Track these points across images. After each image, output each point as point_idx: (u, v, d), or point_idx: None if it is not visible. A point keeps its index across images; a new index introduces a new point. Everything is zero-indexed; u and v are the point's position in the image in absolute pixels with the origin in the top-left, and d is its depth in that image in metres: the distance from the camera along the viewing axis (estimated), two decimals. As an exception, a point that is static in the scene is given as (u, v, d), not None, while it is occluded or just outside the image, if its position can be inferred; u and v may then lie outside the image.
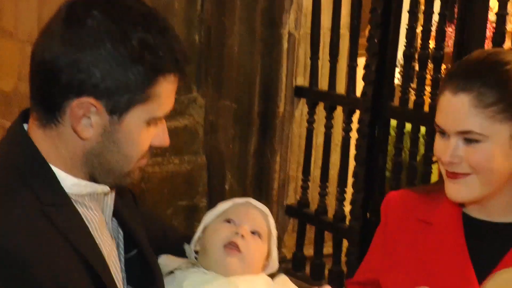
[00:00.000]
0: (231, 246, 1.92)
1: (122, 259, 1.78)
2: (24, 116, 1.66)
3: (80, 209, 1.62)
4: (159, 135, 1.65)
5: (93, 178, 1.65)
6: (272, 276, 2.01)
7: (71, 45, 1.53)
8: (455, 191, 1.88)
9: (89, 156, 1.60)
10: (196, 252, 2.02)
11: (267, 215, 2.06)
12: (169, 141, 1.68)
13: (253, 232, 1.96)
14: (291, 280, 2.04)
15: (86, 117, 1.55)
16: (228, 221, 1.97)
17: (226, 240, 1.93)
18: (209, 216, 2.02)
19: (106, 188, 1.68)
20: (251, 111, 4.75)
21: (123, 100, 1.56)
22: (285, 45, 4.63)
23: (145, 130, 1.61)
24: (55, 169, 1.59)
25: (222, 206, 2.03)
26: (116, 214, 1.77)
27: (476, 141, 1.80)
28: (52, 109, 1.56)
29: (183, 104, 4.79)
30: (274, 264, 2.04)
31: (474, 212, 1.94)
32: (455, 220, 1.94)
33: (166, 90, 1.61)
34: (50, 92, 1.55)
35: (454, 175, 1.86)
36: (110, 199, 1.72)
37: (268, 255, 2.02)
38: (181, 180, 4.86)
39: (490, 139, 1.79)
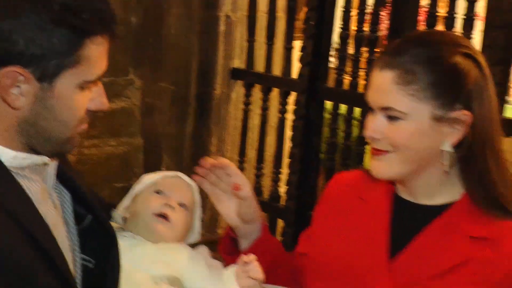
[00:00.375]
0: (161, 216, 1.98)
1: (72, 229, 1.75)
2: None
3: (21, 182, 1.60)
4: (95, 99, 1.62)
5: (32, 149, 1.62)
6: (193, 246, 2.06)
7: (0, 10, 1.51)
8: (376, 167, 1.89)
9: (24, 125, 1.57)
10: (124, 219, 2.08)
11: (193, 189, 2.12)
12: (107, 104, 1.66)
13: (180, 204, 2.03)
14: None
15: (15, 86, 1.52)
16: (158, 192, 2.03)
17: (157, 210, 2.00)
18: (139, 186, 2.08)
19: (45, 159, 1.65)
20: (188, 93, 4.75)
21: (51, 66, 1.53)
22: (222, 27, 4.65)
23: (79, 94, 1.59)
24: None
25: (152, 177, 2.09)
26: (63, 182, 1.75)
27: (397, 118, 1.79)
28: None
29: (120, 86, 4.78)
30: (196, 235, 2.11)
31: (402, 193, 1.95)
32: (385, 198, 1.95)
33: (95, 53, 1.58)
34: None
35: (376, 152, 1.87)
36: (52, 169, 1.69)
37: (192, 226, 2.09)
38: (118, 161, 4.86)
39: (410, 117, 1.78)
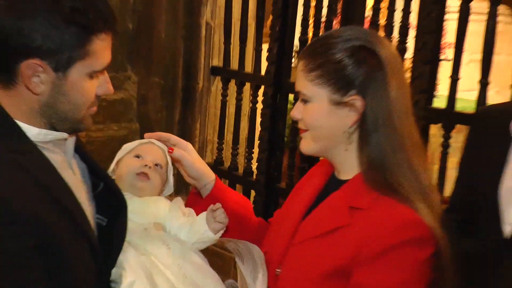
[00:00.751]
0: (142, 175, 2.00)
1: (90, 193, 1.77)
2: None
3: (46, 153, 1.61)
4: (102, 85, 1.65)
5: (52, 127, 1.63)
6: (170, 199, 2.09)
7: (13, 15, 1.51)
8: (301, 144, 1.85)
9: (45, 108, 1.59)
10: None
11: (165, 151, 2.11)
12: (112, 89, 1.68)
13: (156, 164, 2.05)
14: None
15: (36, 75, 1.55)
16: (138, 156, 2.05)
17: (138, 170, 2.01)
18: (121, 153, 2.10)
19: (65, 135, 1.66)
20: (175, 86, 4.73)
21: (64, 58, 1.55)
22: (203, 32, 4.63)
23: (88, 82, 1.61)
24: (19, 123, 1.58)
25: (131, 145, 2.10)
26: (79, 156, 1.77)
27: (306, 101, 1.75)
28: (7, 72, 1.55)
29: (119, 81, 4.74)
30: (171, 188, 2.13)
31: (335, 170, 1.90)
32: (323, 175, 1.92)
33: (100, 47, 1.60)
34: (2, 58, 1.54)
35: (300, 131, 1.83)
36: (70, 143, 1.71)
37: (166, 181, 2.11)
38: (119, 143, 4.75)
39: (314, 100, 1.73)
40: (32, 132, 1.59)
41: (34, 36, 1.51)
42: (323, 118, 1.73)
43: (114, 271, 1.75)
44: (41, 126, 1.61)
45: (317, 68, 1.71)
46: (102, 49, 1.61)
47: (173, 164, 2.12)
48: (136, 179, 2.00)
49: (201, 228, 1.92)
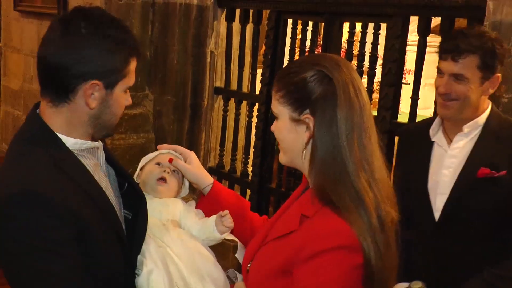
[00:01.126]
0: (161, 179, 2.00)
1: (117, 192, 1.78)
2: (36, 105, 1.65)
3: (81, 159, 1.63)
4: (127, 98, 1.67)
5: (92, 137, 1.65)
6: (186, 200, 2.08)
7: (76, 47, 1.54)
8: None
9: (93, 119, 1.61)
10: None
11: (181, 159, 2.10)
12: (131, 101, 1.71)
13: (173, 171, 2.04)
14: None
15: (93, 94, 1.58)
16: (158, 164, 2.03)
17: (158, 175, 2.00)
18: (143, 161, 2.08)
19: (97, 144, 1.68)
20: (185, 103, 4.72)
21: (113, 78, 1.59)
22: (208, 59, 4.62)
23: (123, 96, 1.64)
24: (59, 135, 1.59)
25: (152, 155, 2.08)
26: (108, 161, 1.77)
27: (276, 118, 1.64)
28: (65, 93, 1.56)
29: (139, 98, 4.76)
30: (186, 190, 2.11)
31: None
32: (305, 182, 1.76)
33: (133, 68, 1.64)
34: (63, 81, 1.55)
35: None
36: (101, 151, 1.72)
37: (183, 184, 2.09)
38: (138, 150, 4.82)
39: (279, 117, 1.61)
40: (69, 142, 1.60)
41: (94, 62, 1.55)
42: (285, 133, 1.61)
43: (138, 258, 1.75)
44: (78, 136, 1.63)
45: (282, 89, 1.60)
46: (133, 69, 1.65)
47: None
48: (156, 184, 1.99)
49: (210, 228, 1.92)
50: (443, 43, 2.34)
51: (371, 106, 1.61)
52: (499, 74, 2.27)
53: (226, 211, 1.92)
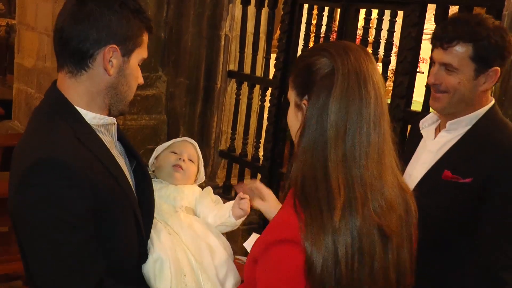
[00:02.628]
0: (177, 167, 2.01)
1: (130, 170, 1.79)
2: (56, 81, 1.66)
3: (99, 135, 1.63)
4: (140, 77, 1.68)
5: (109, 110, 1.66)
6: (201, 187, 2.09)
7: (94, 14, 1.56)
8: None
9: (110, 89, 1.62)
10: (152, 171, 2.11)
11: (196, 147, 2.14)
12: (143, 81, 1.71)
13: (189, 159, 2.04)
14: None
15: (111, 60, 1.58)
16: (174, 152, 2.04)
17: (175, 163, 2.02)
18: (159, 149, 2.10)
19: (113, 119, 1.69)
20: (198, 86, 4.73)
21: (130, 45, 1.60)
22: (222, 42, 4.63)
23: (138, 69, 1.65)
24: (78, 108, 1.60)
25: (168, 143, 2.10)
26: (119, 139, 1.78)
27: (289, 103, 1.55)
28: (84, 59, 1.57)
29: (152, 80, 4.78)
30: (202, 178, 2.13)
31: None
32: None
33: (146, 40, 1.66)
34: (82, 48, 1.56)
35: None
36: (115, 129, 1.73)
37: (198, 172, 2.11)
38: (150, 131, 4.85)
39: (290, 101, 1.52)
40: (88, 116, 1.61)
41: (112, 27, 1.56)
42: (291, 118, 1.51)
43: (148, 243, 1.75)
44: (97, 110, 1.63)
45: (292, 73, 1.52)
46: (146, 42, 1.66)
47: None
48: (173, 170, 2.01)
49: (225, 213, 1.93)
50: (436, 29, 2.14)
51: (383, 99, 1.44)
52: (497, 68, 2.01)
53: (246, 195, 1.93)
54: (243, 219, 1.94)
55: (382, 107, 1.43)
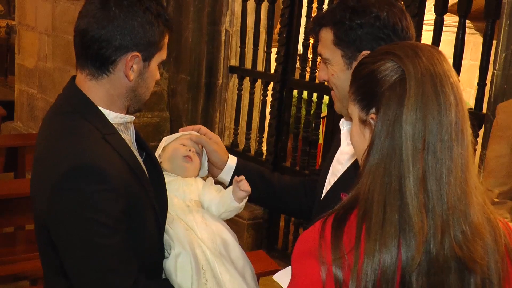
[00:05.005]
0: (187, 157, 2.02)
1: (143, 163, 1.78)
2: (73, 79, 1.65)
3: (120, 133, 1.63)
4: (157, 74, 1.68)
5: (127, 109, 1.66)
6: (204, 179, 2.10)
7: (118, 19, 1.54)
8: None
9: (129, 92, 1.61)
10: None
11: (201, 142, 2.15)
12: (159, 76, 1.71)
13: (196, 151, 2.06)
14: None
15: (132, 65, 1.57)
16: (183, 144, 2.05)
17: (185, 153, 2.02)
18: (167, 141, 2.10)
19: (132, 118, 1.69)
20: (199, 82, 4.75)
21: (151, 51, 1.59)
22: (223, 37, 4.65)
23: (157, 70, 1.65)
24: (100, 108, 1.60)
25: (174, 136, 2.10)
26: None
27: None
28: (106, 65, 1.57)
29: (153, 77, 4.79)
30: (205, 171, 2.13)
31: None
32: None
33: (166, 42, 1.65)
34: (104, 53, 1.55)
35: None
36: (132, 126, 1.73)
37: (201, 165, 2.11)
38: (152, 128, 4.86)
39: (352, 119, 1.31)
40: (111, 116, 1.61)
41: (135, 34, 1.55)
42: (356, 138, 1.29)
43: (165, 240, 1.76)
44: (117, 110, 1.63)
45: (352, 85, 1.30)
46: (166, 43, 1.66)
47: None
48: (183, 160, 2.01)
49: (228, 199, 1.94)
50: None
51: (464, 104, 1.22)
52: (367, 52, 1.62)
53: (242, 176, 1.92)
54: (245, 200, 1.96)
55: (464, 113, 1.20)
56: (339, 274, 1.13)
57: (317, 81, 4.16)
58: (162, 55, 1.63)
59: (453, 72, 1.22)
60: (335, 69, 1.72)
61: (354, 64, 1.65)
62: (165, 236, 1.76)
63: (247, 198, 1.98)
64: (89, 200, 1.46)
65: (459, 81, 1.23)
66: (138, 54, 1.56)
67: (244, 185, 1.93)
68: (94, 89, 1.60)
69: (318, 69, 1.91)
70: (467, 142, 1.19)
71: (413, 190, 1.13)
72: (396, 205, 1.14)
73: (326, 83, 1.79)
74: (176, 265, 1.73)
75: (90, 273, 1.51)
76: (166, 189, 1.80)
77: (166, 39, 1.63)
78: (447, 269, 1.15)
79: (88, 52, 1.57)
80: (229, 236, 1.89)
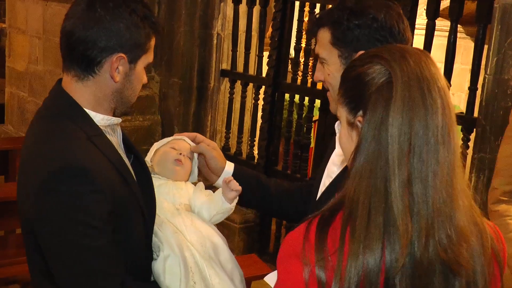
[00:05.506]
0: (178, 161, 2.02)
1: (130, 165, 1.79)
2: (60, 81, 1.65)
3: (107, 135, 1.64)
4: (144, 77, 1.68)
5: (113, 112, 1.66)
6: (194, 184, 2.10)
7: (103, 21, 1.54)
8: None
9: (115, 93, 1.61)
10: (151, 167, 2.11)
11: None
12: (147, 80, 1.71)
13: (187, 155, 2.06)
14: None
15: (117, 67, 1.58)
16: (174, 148, 2.05)
17: (176, 157, 2.02)
18: (158, 144, 2.10)
19: (119, 120, 1.69)
20: (191, 86, 4.74)
21: (137, 52, 1.59)
22: (214, 41, 4.64)
23: (143, 72, 1.66)
24: (86, 110, 1.60)
25: (167, 139, 2.11)
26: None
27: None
28: (91, 66, 1.57)
29: (145, 80, 4.78)
30: (195, 177, 2.13)
31: None
32: None
33: (153, 44, 1.65)
34: (90, 54, 1.56)
35: None
36: (119, 128, 1.74)
37: (192, 170, 2.11)
38: (144, 131, 4.85)
39: (341, 122, 1.30)
40: (97, 118, 1.61)
41: (121, 36, 1.55)
42: (344, 140, 1.29)
43: (154, 242, 1.76)
44: (104, 112, 1.63)
45: (341, 87, 1.29)
46: (153, 46, 1.66)
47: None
48: (174, 164, 2.02)
49: (219, 200, 1.94)
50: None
51: (451, 107, 1.21)
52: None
53: (230, 177, 1.94)
54: (236, 201, 1.96)
55: (451, 117, 1.19)
56: (322, 275, 1.14)
57: (309, 85, 4.17)
58: (148, 57, 1.64)
59: (440, 75, 1.21)
60: (331, 69, 1.74)
61: None
62: (154, 238, 1.77)
63: (243, 202, 1.98)
64: (75, 202, 1.46)
65: (447, 85, 1.22)
66: (123, 55, 1.56)
67: (234, 184, 1.93)
68: (80, 91, 1.60)
69: (310, 72, 1.93)
70: (454, 146, 1.19)
71: (398, 193, 1.14)
72: (381, 208, 1.14)
73: (320, 86, 1.79)
74: (165, 267, 1.73)
75: (77, 275, 1.50)
76: (154, 192, 1.80)
77: (152, 42, 1.63)
78: (431, 272, 1.15)
79: (73, 53, 1.57)
80: (218, 240, 1.89)
